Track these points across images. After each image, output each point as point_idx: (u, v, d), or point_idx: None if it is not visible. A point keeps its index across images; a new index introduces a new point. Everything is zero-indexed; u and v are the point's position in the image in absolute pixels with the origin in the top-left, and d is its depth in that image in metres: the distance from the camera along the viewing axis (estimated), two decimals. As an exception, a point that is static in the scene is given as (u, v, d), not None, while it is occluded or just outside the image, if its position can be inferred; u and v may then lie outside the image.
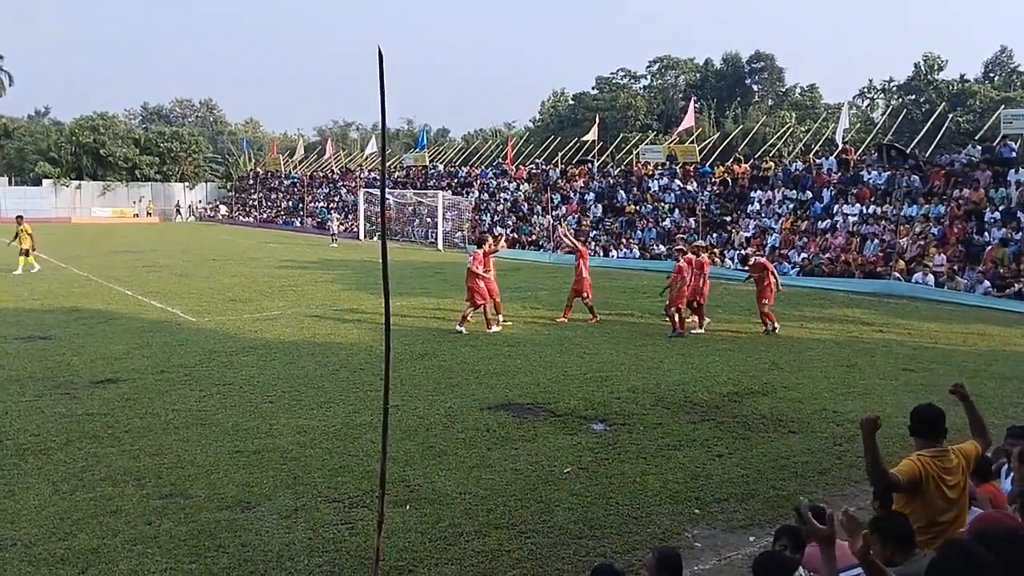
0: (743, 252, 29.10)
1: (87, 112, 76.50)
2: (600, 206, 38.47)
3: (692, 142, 40.83)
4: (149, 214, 70.49)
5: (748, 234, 30.63)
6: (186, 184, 76.30)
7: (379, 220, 48.75)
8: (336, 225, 46.04)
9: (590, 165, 43.90)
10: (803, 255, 27.36)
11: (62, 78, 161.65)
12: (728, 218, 32.77)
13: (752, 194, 32.95)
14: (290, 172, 69.39)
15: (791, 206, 30.96)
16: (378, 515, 4.22)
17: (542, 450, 8.73)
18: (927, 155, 30.14)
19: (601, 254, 33.76)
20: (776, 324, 16.05)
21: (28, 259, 25.88)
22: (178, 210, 73.11)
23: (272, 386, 11.32)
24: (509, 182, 45.96)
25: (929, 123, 34.80)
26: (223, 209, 71.96)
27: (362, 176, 58.40)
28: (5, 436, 8.89)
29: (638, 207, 36.47)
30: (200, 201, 76.11)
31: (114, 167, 72.18)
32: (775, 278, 16.43)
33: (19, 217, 27.09)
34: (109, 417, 9.66)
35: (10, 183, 71.75)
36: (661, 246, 32.51)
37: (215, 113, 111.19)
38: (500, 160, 53.75)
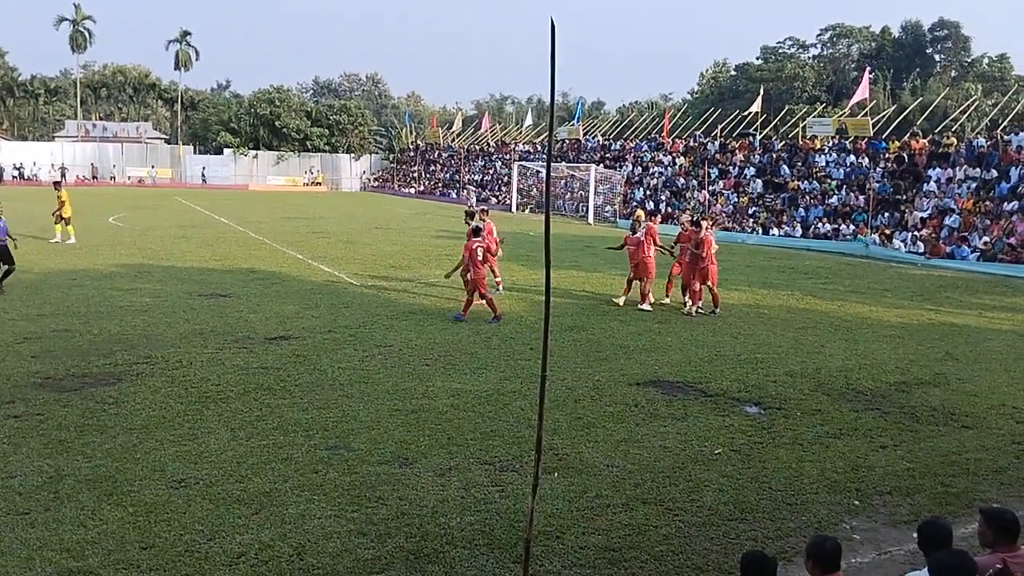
0: (917, 233, 27.24)
1: (264, 85, 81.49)
2: (760, 181, 37.01)
3: (865, 115, 38.37)
4: (317, 183, 74.44)
5: (924, 214, 28.56)
6: (352, 155, 79.87)
7: (530, 194, 49.21)
8: (473, 199, 46.76)
9: (751, 138, 42.25)
10: (984, 239, 25.23)
11: (242, 53, 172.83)
12: (902, 197, 30.66)
13: (930, 172, 30.63)
14: (448, 145, 71.12)
15: (973, 186, 28.54)
16: (533, 479, 4.31)
17: (692, 429, 8.60)
18: None
19: (760, 232, 32.57)
20: (718, 308, 15.17)
21: (68, 228, 24.48)
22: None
23: (429, 350, 11.75)
24: (664, 156, 45.03)
25: None
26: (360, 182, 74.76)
27: (516, 149, 59.02)
28: (190, 384, 9.73)
29: (802, 183, 34.81)
30: (364, 172, 79.50)
31: (287, 138, 76.57)
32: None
33: (56, 183, 25.78)
34: (281, 372, 10.36)
35: (195, 152, 77.78)
36: (827, 224, 30.93)
37: (380, 87, 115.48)
38: (655, 133, 52.76)
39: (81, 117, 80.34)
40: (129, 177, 70.89)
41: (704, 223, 15.71)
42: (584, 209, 42.75)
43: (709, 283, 15.22)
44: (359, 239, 28.05)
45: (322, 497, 6.62)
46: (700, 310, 15.21)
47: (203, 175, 72.13)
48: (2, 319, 13.02)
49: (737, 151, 40.69)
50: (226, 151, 75.31)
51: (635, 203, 40.60)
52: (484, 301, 14.19)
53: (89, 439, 7.77)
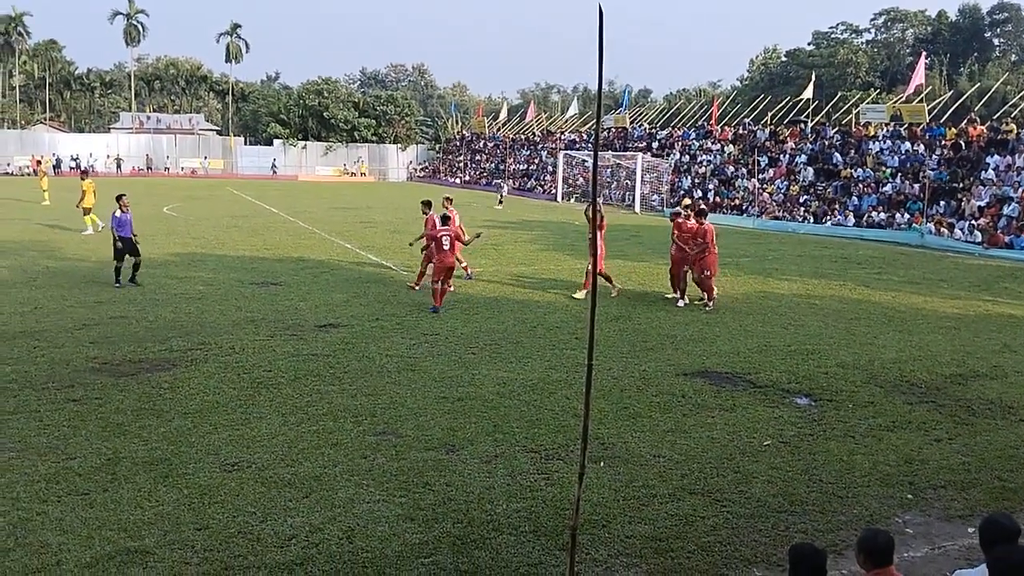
0: (975, 222, 26.49)
1: (312, 77, 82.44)
2: (812, 169, 36.32)
3: (920, 101, 37.38)
4: (364, 174, 75.14)
5: (982, 203, 27.76)
6: (399, 146, 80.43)
7: (576, 183, 48.99)
8: (505, 189, 46.63)
9: (802, 125, 41.50)
10: (1047, 228, 24.45)
11: (291, 45, 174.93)
12: (958, 185, 29.83)
13: (988, 159, 29.73)
14: (493, 134, 71.18)
15: (1035, 173, 27.64)
16: (579, 467, 4.31)
17: (740, 420, 8.51)
18: None
19: (811, 220, 31.99)
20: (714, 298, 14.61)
21: (85, 218, 24.52)
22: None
23: (474, 338, 11.81)
24: (713, 144, 44.44)
25: None
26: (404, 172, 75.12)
27: (562, 138, 58.80)
28: (242, 370, 9.93)
29: (855, 171, 34.06)
30: (411, 162, 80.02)
31: (336, 129, 77.41)
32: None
33: (84, 172, 25.80)
34: (331, 358, 10.52)
35: (246, 142, 79.12)
36: (881, 213, 30.25)
37: (426, 77, 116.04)
38: (704, 121, 52.08)
39: (135, 109, 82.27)
40: (182, 168, 72.43)
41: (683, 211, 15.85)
42: (631, 198, 42.45)
43: (707, 273, 14.65)
44: (406, 228, 28.20)
45: (371, 482, 6.71)
46: (698, 302, 14.81)
47: (273, 167, 73.11)
48: (61, 306, 13.43)
49: (788, 139, 39.98)
50: (276, 142, 76.44)
51: (682, 192, 40.20)
52: (438, 287, 13.94)
53: (145, 422, 7.98)
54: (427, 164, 78.44)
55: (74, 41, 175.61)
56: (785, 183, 36.46)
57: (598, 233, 14.69)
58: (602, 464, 7.19)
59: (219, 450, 7.32)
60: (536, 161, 59.41)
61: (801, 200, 34.37)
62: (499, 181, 52.63)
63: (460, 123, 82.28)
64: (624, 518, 6.21)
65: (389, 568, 5.43)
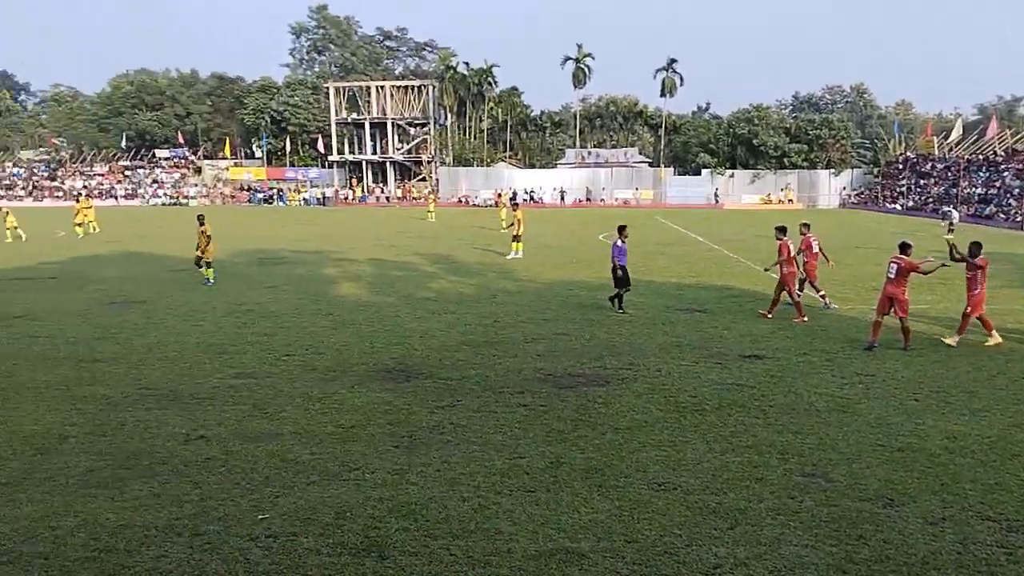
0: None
1: (743, 105, 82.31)
2: None
3: None
4: (791, 201, 72.77)
5: None
6: (831, 171, 76.46)
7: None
8: (956, 216, 40.72)
9: None
10: None
11: (722, 74, 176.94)
12: None
13: None
14: (944, 155, 63.87)
15: None
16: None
17: None
18: None
19: None
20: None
21: (515, 244, 26.68)
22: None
23: (917, 383, 10.69)
24: None
25: None
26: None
27: (1035, 157, 50.54)
28: (668, 393, 10.25)
29: None
30: (844, 188, 75.49)
31: (764, 155, 76.33)
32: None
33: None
34: (755, 390, 10.35)
35: (675, 173, 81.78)
36: None
37: (864, 97, 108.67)
38: None
39: (578, 145, 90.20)
40: (616, 198, 77.53)
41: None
42: None
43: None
44: (840, 259, 26.62)
45: (798, 524, 6.44)
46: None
47: (715, 195, 75.20)
48: (515, 320, 15.21)
49: None
50: (704, 171, 77.83)
51: None
52: (879, 320, 13.05)
53: (582, 432, 8.67)
54: (862, 189, 73.28)
55: (530, 86, 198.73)
56: None
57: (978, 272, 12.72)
58: (1087, 549, 5.98)
59: (647, 468, 7.64)
60: (997, 184, 51.91)
61: None
62: (947, 208, 46.97)
63: (903, 144, 75.36)
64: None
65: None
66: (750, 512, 6.67)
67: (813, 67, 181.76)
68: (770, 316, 15.53)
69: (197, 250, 20.44)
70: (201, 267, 20.48)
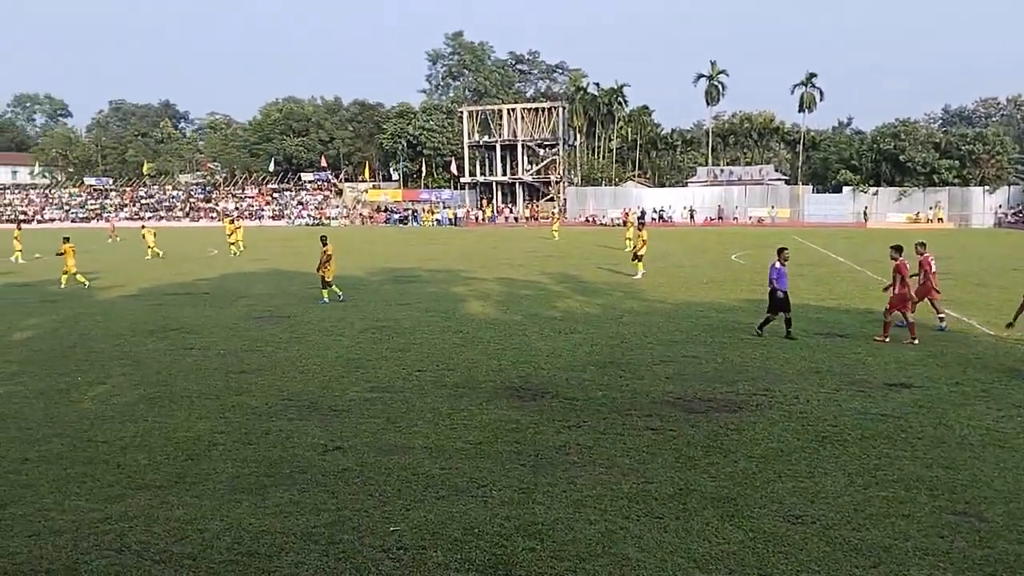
0: None
1: (888, 120, 78.32)
2: None
3: None
4: (940, 220, 68.50)
5: None
6: (986, 188, 71.51)
7: None
8: None
9: None
10: None
11: (866, 88, 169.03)
12: None
13: None
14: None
15: None
16: None
17: None
18: None
19: None
20: None
21: (637, 264, 27.19)
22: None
23: (1089, 419, 9.75)
24: None
25: None
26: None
27: None
28: (806, 421, 9.80)
29: None
30: (1000, 206, 70.39)
31: (911, 172, 72.31)
32: None
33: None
34: (902, 421, 9.75)
35: (813, 191, 78.66)
36: None
37: (1023, 110, 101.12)
38: None
39: (711, 163, 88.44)
40: (750, 217, 75.34)
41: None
42: None
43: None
44: (992, 282, 24.86)
45: (948, 566, 6.00)
46: None
47: (864, 214, 72.20)
48: (643, 342, 15.00)
49: None
50: (845, 189, 74.51)
51: None
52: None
53: (713, 460, 8.42)
54: (1020, 208, 68.05)
55: (661, 104, 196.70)
56: None
57: None
58: None
59: (783, 499, 7.32)
60: None
61: None
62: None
63: (1069, 159, 69.56)
64: None
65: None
66: (895, 551, 6.27)
67: (966, 80, 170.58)
68: (887, 340, 14.79)
69: (318, 269, 21.24)
70: (327, 287, 21.11)
